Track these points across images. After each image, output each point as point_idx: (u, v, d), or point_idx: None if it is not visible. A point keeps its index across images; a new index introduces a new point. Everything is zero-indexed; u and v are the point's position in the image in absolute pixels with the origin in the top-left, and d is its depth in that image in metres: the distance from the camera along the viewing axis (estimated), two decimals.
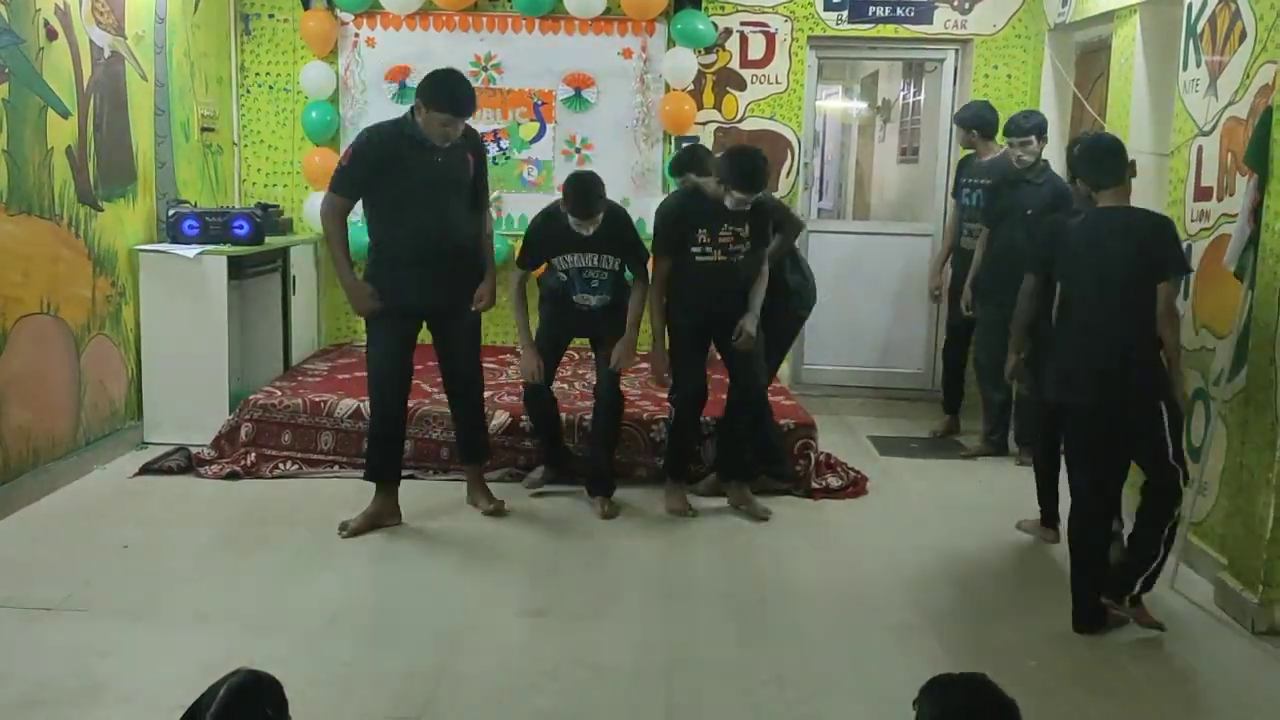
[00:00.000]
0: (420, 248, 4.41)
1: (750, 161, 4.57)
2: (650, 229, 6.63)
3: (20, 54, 4.57)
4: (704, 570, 4.30)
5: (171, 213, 5.68)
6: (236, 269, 5.67)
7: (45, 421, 4.82)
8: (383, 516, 4.57)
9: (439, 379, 4.90)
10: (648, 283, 4.81)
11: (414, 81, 6.65)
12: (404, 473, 4.88)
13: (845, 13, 6.73)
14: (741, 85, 6.80)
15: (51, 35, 4.77)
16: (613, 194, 6.66)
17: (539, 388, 4.87)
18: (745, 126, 6.82)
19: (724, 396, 5.02)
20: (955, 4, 6.71)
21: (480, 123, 6.65)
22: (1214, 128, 4.35)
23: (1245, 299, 3.93)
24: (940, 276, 6.46)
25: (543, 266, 4.95)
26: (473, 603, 3.90)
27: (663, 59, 6.65)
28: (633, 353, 4.85)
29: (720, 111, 6.82)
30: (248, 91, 6.85)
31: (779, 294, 5.00)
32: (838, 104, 10.82)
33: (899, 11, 6.72)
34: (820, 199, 8.66)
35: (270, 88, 6.84)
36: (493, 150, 6.70)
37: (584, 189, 4.59)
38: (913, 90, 8.36)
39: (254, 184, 6.90)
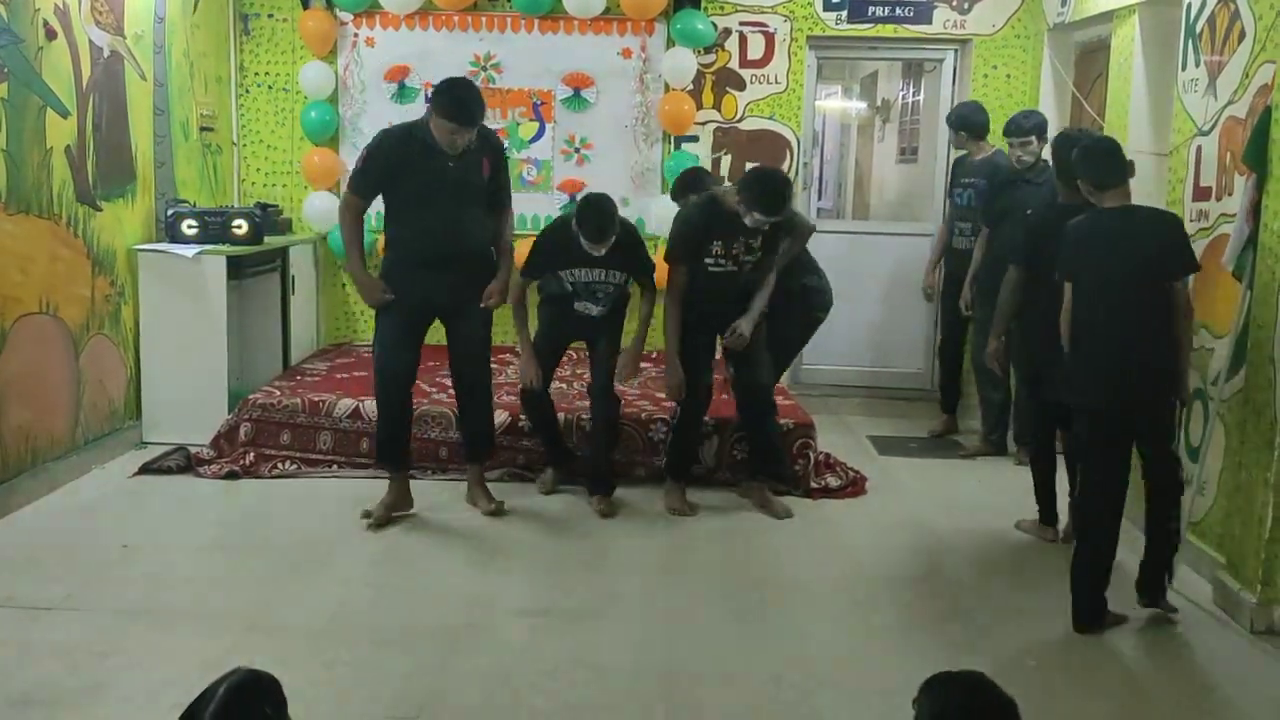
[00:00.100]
0: (430, 249, 4.49)
1: (774, 186, 4.54)
2: (650, 228, 6.73)
3: (19, 53, 4.57)
4: (703, 570, 4.30)
5: (170, 212, 5.68)
6: (236, 269, 5.67)
7: (44, 421, 4.82)
8: (399, 504, 4.66)
9: (439, 379, 4.91)
10: (654, 296, 4.85)
11: (413, 82, 6.73)
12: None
13: (844, 13, 6.73)
14: (741, 85, 6.80)
15: (51, 35, 4.77)
16: (612, 194, 6.64)
17: (536, 393, 4.88)
18: (744, 126, 6.82)
19: (724, 396, 5.03)
20: (954, 4, 6.71)
21: None
22: (1213, 127, 4.35)
23: (1244, 298, 3.93)
24: (933, 276, 6.46)
25: None
26: (472, 602, 3.90)
27: (662, 59, 6.65)
28: (638, 365, 4.87)
29: (719, 111, 6.82)
30: (247, 91, 6.85)
31: (790, 298, 5.00)
32: (837, 104, 10.83)
33: (898, 11, 6.72)
34: (819, 199, 8.64)
35: (269, 87, 6.84)
36: None
37: (600, 215, 4.58)
38: (912, 90, 8.37)
39: (253, 184, 6.90)
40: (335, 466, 5.27)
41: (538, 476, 5.15)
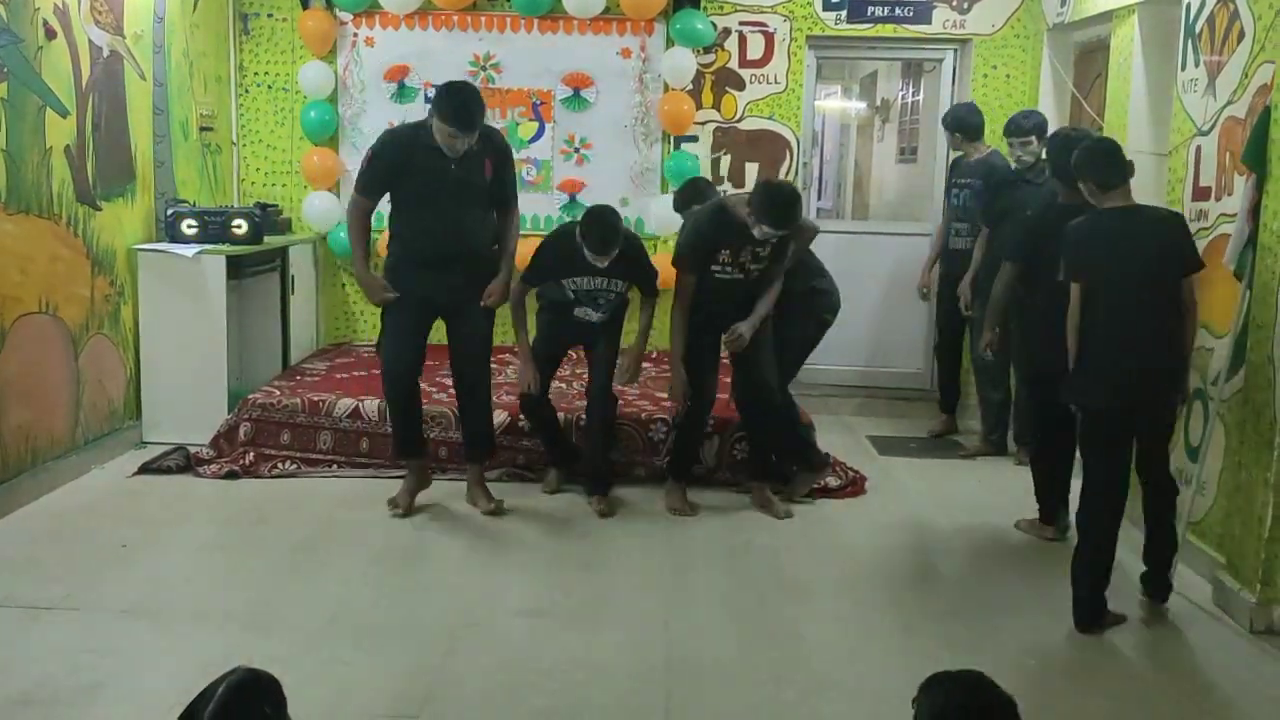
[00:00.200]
0: (430, 249, 4.53)
1: (783, 200, 4.53)
2: (649, 228, 6.73)
3: (19, 53, 4.57)
4: (703, 570, 4.30)
5: (170, 212, 5.68)
6: (235, 268, 5.67)
7: (44, 421, 4.82)
8: (421, 486, 4.80)
9: (439, 379, 4.92)
10: (655, 303, 4.90)
11: (413, 81, 6.73)
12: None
13: (844, 12, 6.73)
14: (740, 85, 6.80)
15: (50, 34, 4.77)
16: (612, 193, 6.78)
17: (535, 398, 4.89)
18: (744, 126, 6.82)
19: (724, 396, 5.02)
20: (954, 4, 6.71)
21: None
22: (1212, 127, 4.35)
23: (1243, 298, 3.93)
24: (928, 276, 6.46)
25: None
26: (471, 602, 3.90)
27: (661, 59, 6.65)
28: (639, 367, 4.87)
29: (719, 111, 6.82)
30: (246, 91, 6.85)
31: (798, 300, 5.00)
32: (836, 104, 10.83)
33: (897, 11, 6.72)
34: (819, 199, 8.66)
35: (269, 87, 6.84)
36: None
37: (605, 228, 4.60)
38: (911, 90, 8.37)
39: (253, 183, 6.90)
40: (335, 466, 5.27)
41: (542, 477, 5.16)
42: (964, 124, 6.05)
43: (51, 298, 4.85)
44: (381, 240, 4.77)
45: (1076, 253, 3.80)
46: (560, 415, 5.15)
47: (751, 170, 6.85)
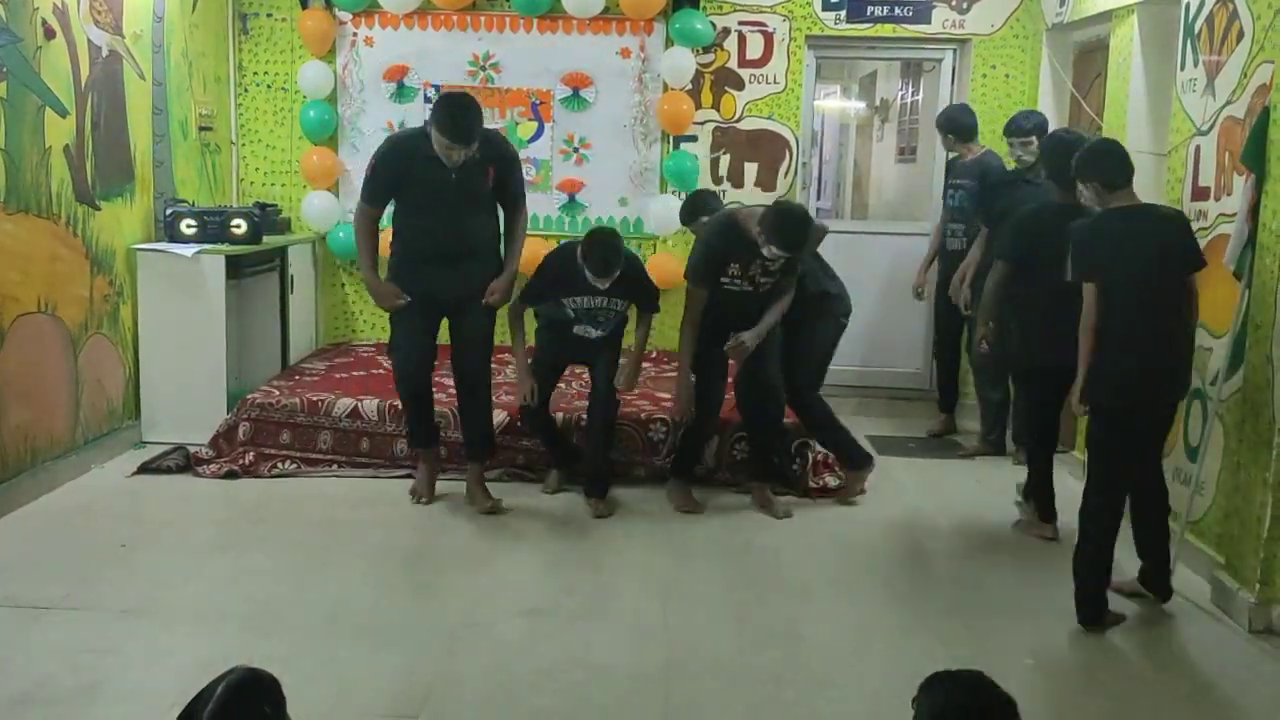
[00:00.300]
0: (432, 249, 4.59)
1: (794, 224, 4.54)
2: (649, 228, 6.73)
3: (18, 53, 4.57)
4: (702, 570, 4.30)
5: (169, 212, 5.68)
6: (234, 268, 5.66)
7: (43, 421, 4.82)
8: (434, 472, 4.92)
9: (439, 378, 4.92)
10: (652, 320, 4.95)
11: (412, 81, 6.73)
12: (401, 472, 5.09)
13: (843, 12, 6.73)
14: (740, 85, 6.80)
15: (49, 34, 4.77)
16: (611, 193, 6.80)
17: (534, 408, 4.90)
18: (743, 126, 6.82)
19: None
20: (953, 4, 6.71)
21: None
22: (1211, 127, 4.35)
23: (1242, 298, 3.93)
24: (923, 276, 6.46)
25: None
26: (471, 602, 3.90)
27: (661, 58, 6.65)
28: (637, 375, 4.91)
29: (718, 111, 6.81)
30: (245, 90, 6.84)
31: (812, 304, 5.01)
32: (836, 103, 10.83)
33: (897, 11, 6.71)
34: (818, 198, 8.65)
35: (268, 87, 6.84)
36: None
37: (606, 250, 4.62)
38: (911, 90, 8.37)
39: (252, 183, 6.90)
40: (335, 466, 5.27)
41: (542, 477, 5.17)
42: (957, 124, 6.06)
43: (51, 297, 4.85)
44: (384, 237, 4.77)
45: (1088, 252, 3.79)
46: (559, 415, 5.15)
47: (751, 170, 6.85)
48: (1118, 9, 5.43)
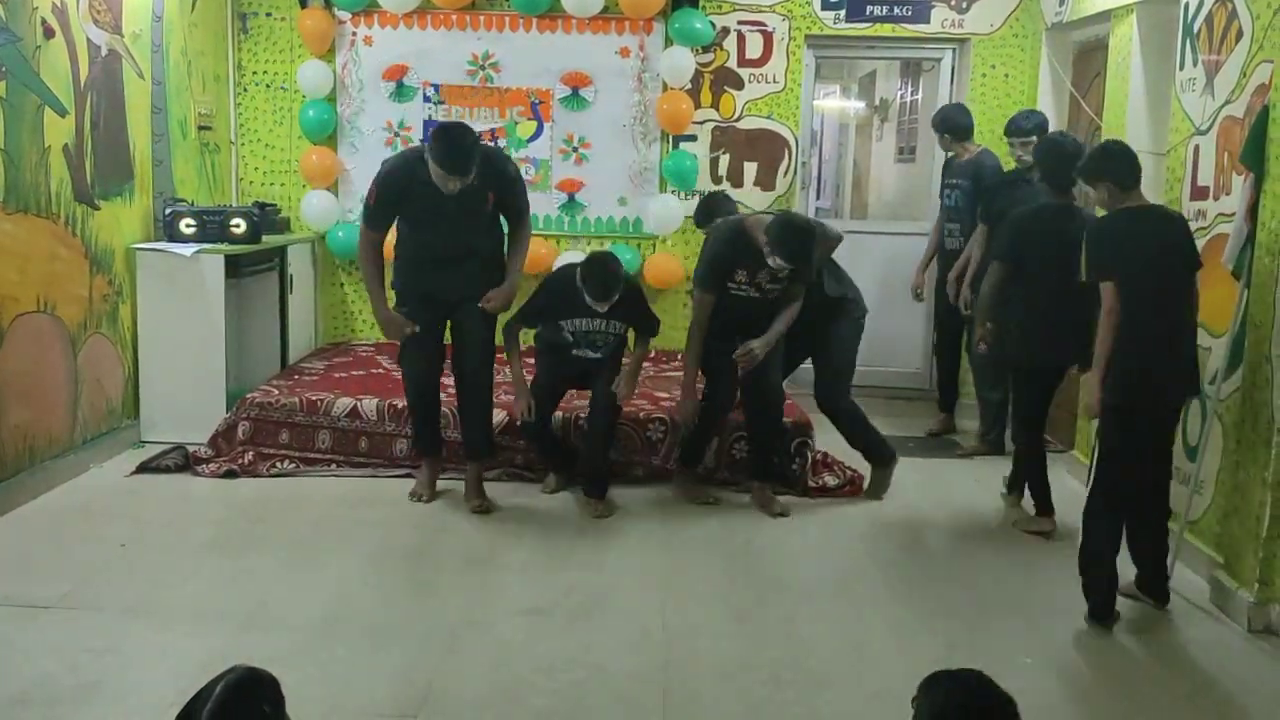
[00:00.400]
0: (434, 257, 4.64)
1: (799, 237, 4.57)
2: (648, 227, 6.73)
3: (17, 52, 4.57)
4: (701, 569, 4.30)
5: (169, 211, 5.68)
6: (234, 268, 5.66)
7: (42, 420, 4.82)
8: (436, 474, 4.95)
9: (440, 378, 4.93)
10: (649, 344, 4.98)
11: (411, 80, 6.73)
12: (400, 472, 5.13)
13: (843, 12, 6.73)
14: (739, 84, 6.80)
15: (49, 33, 4.77)
16: (610, 193, 6.79)
17: (533, 425, 4.91)
18: (743, 125, 6.82)
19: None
20: (952, 3, 6.71)
21: (478, 122, 6.68)
22: (1210, 127, 4.35)
23: (1241, 298, 3.93)
24: (921, 277, 6.46)
25: None
26: (471, 601, 3.90)
27: (660, 58, 6.65)
28: (635, 383, 4.92)
29: (718, 110, 6.82)
30: (245, 90, 6.84)
31: (831, 305, 5.03)
32: (835, 103, 10.83)
33: (896, 11, 6.72)
34: (818, 198, 8.65)
35: (267, 86, 6.84)
36: None
37: (605, 274, 4.65)
38: (910, 89, 8.37)
39: (251, 183, 6.90)
40: (333, 465, 5.27)
41: (541, 477, 5.17)
42: (953, 124, 6.06)
43: (50, 297, 4.84)
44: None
45: (1105, 252, 3.78)
46: (559, 415, 5.15)
47: (750, 170, 6.85)
48: (1117, 8, 5.43)
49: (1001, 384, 5.82)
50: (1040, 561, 4.43)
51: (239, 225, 5.73)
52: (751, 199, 6.70)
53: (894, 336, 7.00)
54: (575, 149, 6.80)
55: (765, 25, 6.75)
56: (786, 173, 6.85)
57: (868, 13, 6.72)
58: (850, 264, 6.82)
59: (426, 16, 6.69)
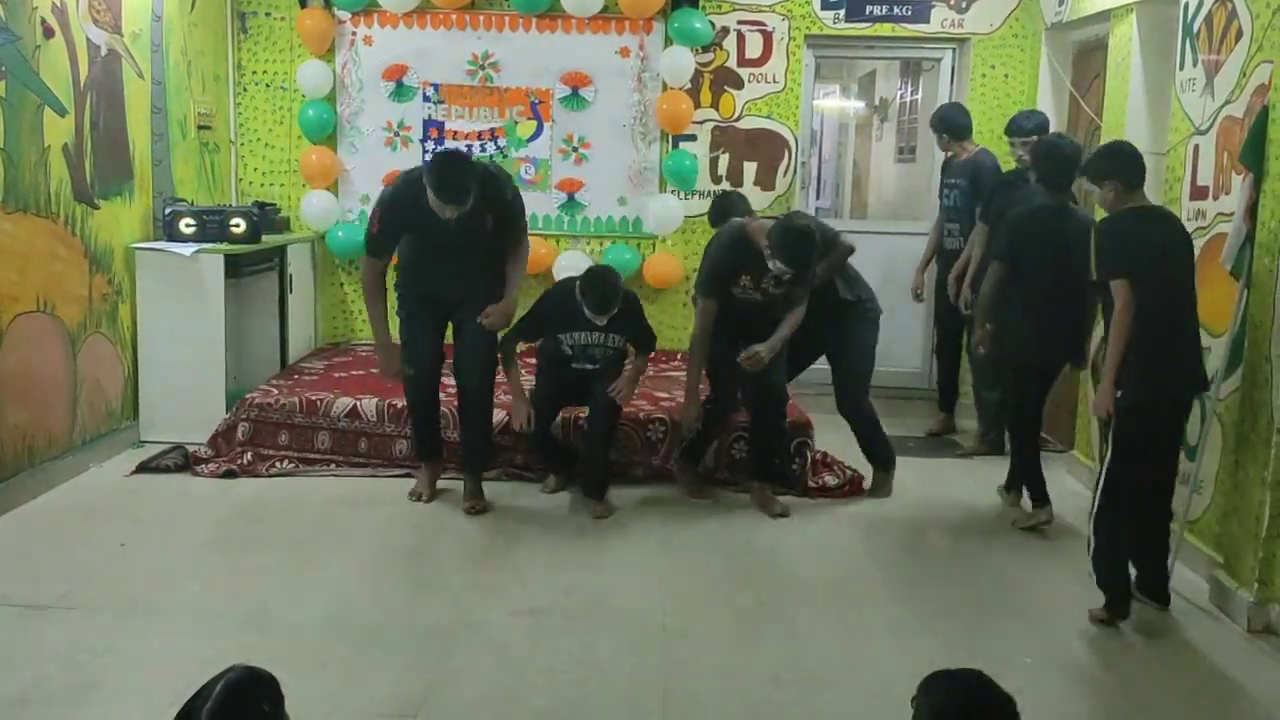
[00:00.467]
0: (436, 266, 4.66)
1: (799, 242, 4.57)
2: (648, 227, 6.73)
3: (17, 52, 4.56)
4: (701, 569, 4.30)
5: (168, 211, 5.67)
6: (233, 267, 5.66)
7: (41, 420, 4.82)
8: (436, 475, 4.97)
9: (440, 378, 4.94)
10: (647, 357, 4.98)
11: (411, 80, 6.72)
12: (399, 472, 5.14)
13: (842, 12, 6.73)
14: (739, 84, 6.80)
15: (48, 33, 4.76)
16: (610, 193, 6.79)
17: (533, 434, 4.91)
18: (742, 125, 6.82)
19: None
20: (952, 3, 6.71)
21: (477, 121, 6.68)
22: (1210, 127, 4.35)
23: (1241, 297, 3.93)
24: (921, 277, 6.46)
25: None
26: (470, 601, 3.90)
27: (660, 58, 6.65)
28: (634, 389, 4.93)
29: (717, 110, 6.82)
30: (244, 89, 6.84)
31: (846, 308, 5.06)
32: (835, 103, 10.83)
33: (896, 10, 6.72)
34: (818, 198, 8.65)
35: (267, 86, 6.84)
36: (490, 149, 6.71)
37: (604, 288, 4.67)
38: (910, 89, 8.37)
39: (251, 182, 6.90)
40: (333, 466, 5.27)
41: (541, 477, 5.18)
42: (951, 123, 6.06)
43: (49, 297, 4.84)
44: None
45: (1117, 250, 3.77)
46: (558, 415, 5.15)
47: (750, 169, 6.85)
48: (1116, 8, 5.43)
49: (1000, 384, 5.82)
50: (1040, 561, 4.43)
51: (239, 225, 5.73)
52: (751, 199, 6.66)
53: (894, 336, 6.96)
54: (575, 149, 6.80)
55: (765, 25, 6.75)
56: (786, 172, 6.85)
57: (867, 12, 6.72)
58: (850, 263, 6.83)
59: (426, 16, 6.69)
